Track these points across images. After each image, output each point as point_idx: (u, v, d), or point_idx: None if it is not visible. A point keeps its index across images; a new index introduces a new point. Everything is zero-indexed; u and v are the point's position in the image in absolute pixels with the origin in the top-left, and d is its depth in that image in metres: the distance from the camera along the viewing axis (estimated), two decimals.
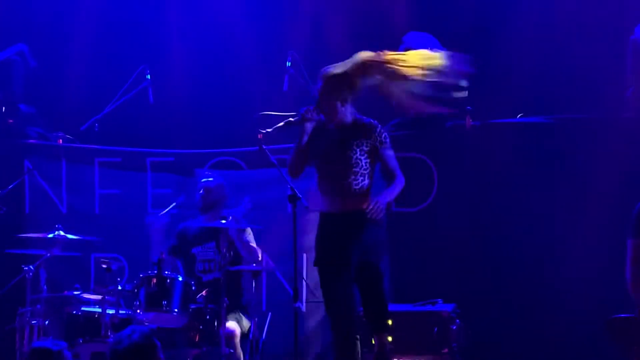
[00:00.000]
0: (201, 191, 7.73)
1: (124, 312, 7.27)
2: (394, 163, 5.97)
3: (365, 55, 5.98)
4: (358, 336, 5.91)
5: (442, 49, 8.14)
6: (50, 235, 7.38)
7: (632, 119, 7.83)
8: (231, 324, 7.24)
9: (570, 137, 7.90)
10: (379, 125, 6.02)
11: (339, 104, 5.85)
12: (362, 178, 5.87)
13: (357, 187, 5.82)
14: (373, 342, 5.82)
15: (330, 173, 5.86)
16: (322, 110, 5.89)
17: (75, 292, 7.55)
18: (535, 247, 7.84)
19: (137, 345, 4.24)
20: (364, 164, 5.89)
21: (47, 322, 7.30)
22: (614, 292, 7.44)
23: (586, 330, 7.49)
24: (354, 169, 5.83)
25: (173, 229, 7.88)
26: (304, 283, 7.79)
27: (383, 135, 5.98)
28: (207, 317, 7.20)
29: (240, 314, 7.49)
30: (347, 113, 5.98)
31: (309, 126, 5.91)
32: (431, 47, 8.08)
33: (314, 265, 5.94)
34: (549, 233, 7.81)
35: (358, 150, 5.86)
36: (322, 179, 5.93)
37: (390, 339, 5.98)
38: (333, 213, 5.85)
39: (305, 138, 5.89)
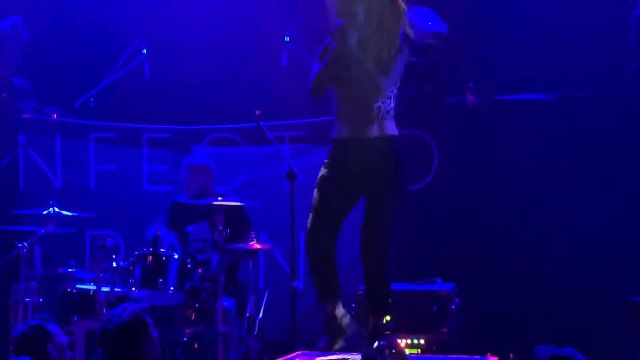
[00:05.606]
0: (190, 177, 7.68)
1: (119, 289, 7.26)
2: None
3: None
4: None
5: (442, 24, 8.10)
6: (45, 212, 7.32)
7: (635, 94, 7.76)
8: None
9: (572, 114, 7.85)
10: None
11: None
12: (389, 101, 5.60)
13: (384, 109, 5.51)
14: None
15: (354, 95, 5.47)
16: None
17: (70, 270, 7.54)
18: (536, 225, 7.82)
19: (126, 324, 4.24)
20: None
21: (41, 300, 7.26)
22: (615, 271, 7.45)
23: (586, 308, 7.51)
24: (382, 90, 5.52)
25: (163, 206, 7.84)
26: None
27: None
28: (203, 295, 7.16)
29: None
30: None
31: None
32: (432, 22, 8.01)
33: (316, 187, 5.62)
34: (551, 211, 7.78)
35: None
36: (344, 101, 5.50)
37: (389, 318, 5.88)
38: (353, 139, 5.44)
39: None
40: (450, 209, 7.97)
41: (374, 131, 5.43)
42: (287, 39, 8.31)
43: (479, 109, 8.05)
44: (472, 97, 8.04)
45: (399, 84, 5.52)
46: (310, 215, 5.51)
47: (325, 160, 5.56)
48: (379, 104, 5.41)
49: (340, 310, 5.53)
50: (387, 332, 5.42)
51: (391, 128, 5.49)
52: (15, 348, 5.23)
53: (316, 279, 5.57)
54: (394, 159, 5.47)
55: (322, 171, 5.54)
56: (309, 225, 5.50)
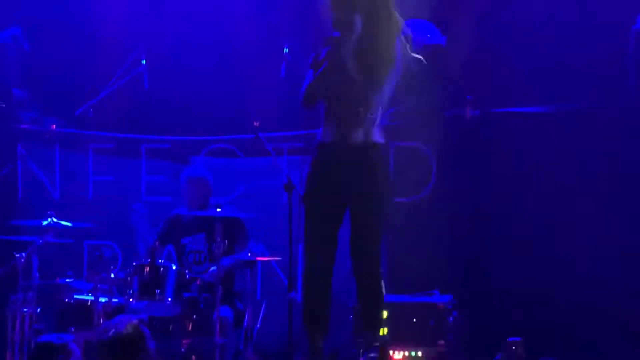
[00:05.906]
0: (191, 190, 7.68)
1: (116, 300, 7.22)
2: None
3: None
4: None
5: (441, 36, 8.11)
6: (43, 222, 7.30)
7: (634, 109, 7.76)
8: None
9: (571, 127, 7.84)
10: None
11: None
12: (376, 109, 5.47)
13: (370, 117, 5.49)
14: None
15: (342, 101, 5.47)
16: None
17: (68, 280, 7.51)
18: (534, 238, 7.80)
19: (123, 335, 4.23)
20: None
21: (39, 310, 7.23)
22: (618, 285, 7.44)
23: (588, 320, 7.48)
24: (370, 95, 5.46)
25: (160, 216, 7.82)
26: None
27: None
28: (201, 306, 7.15)
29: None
30: None
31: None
32: (431, 34, 8.02)
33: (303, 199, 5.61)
34: (548, 224, 7.77)
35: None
36: (331, 107, 5.50)
37: (385, 330, 5.86)
38: (337, 143, 5.45)
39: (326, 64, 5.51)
40: (448, 221, 7.95)
41: (358, 137, 5.44)
42: (286, 50, 8.31)
43: (478, 121, 8.05)
44: (471, 110, 8.04)
45: (392, 94, 5.53)
46: (305, 230, 5.52)
47: (308, 171, 5.56)
48: (366, 111, 5.42)
49: (321, 344, 5.53)
50: (376, 344, 5.40)
51: (376, 136, 5.49)
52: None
53: (309, 303, 5.57)
54: (378, 166, 5.47)
55: (307, 184, 5.55)
56: (305, 242, 5.52)
